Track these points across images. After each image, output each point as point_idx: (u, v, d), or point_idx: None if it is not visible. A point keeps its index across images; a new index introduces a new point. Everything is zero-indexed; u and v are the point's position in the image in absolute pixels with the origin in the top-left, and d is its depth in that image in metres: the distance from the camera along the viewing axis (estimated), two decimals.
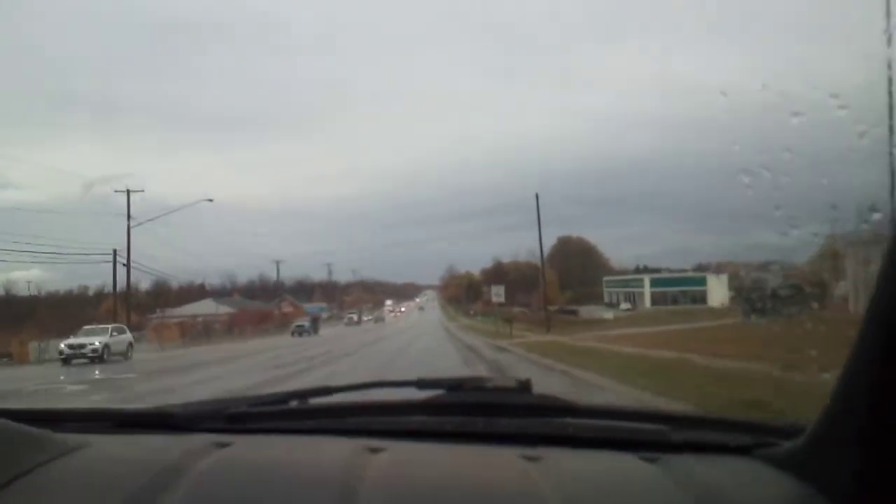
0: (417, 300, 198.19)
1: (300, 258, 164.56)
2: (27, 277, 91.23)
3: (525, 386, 1.59)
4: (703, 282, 70.67)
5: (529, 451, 1.36)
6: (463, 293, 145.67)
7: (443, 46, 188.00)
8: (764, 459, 1.29)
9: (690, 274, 76.44)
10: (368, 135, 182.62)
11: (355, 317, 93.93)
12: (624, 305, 69.57)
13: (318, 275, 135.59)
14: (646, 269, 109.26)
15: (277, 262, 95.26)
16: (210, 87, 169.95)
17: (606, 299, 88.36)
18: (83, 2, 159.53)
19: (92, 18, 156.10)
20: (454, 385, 1.60)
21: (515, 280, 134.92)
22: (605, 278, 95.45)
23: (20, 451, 1.30)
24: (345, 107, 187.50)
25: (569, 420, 1.51)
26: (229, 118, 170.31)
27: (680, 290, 71.16)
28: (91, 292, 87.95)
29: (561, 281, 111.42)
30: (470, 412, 1.53)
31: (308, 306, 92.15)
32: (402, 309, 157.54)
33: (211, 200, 49.62)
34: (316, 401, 1.71)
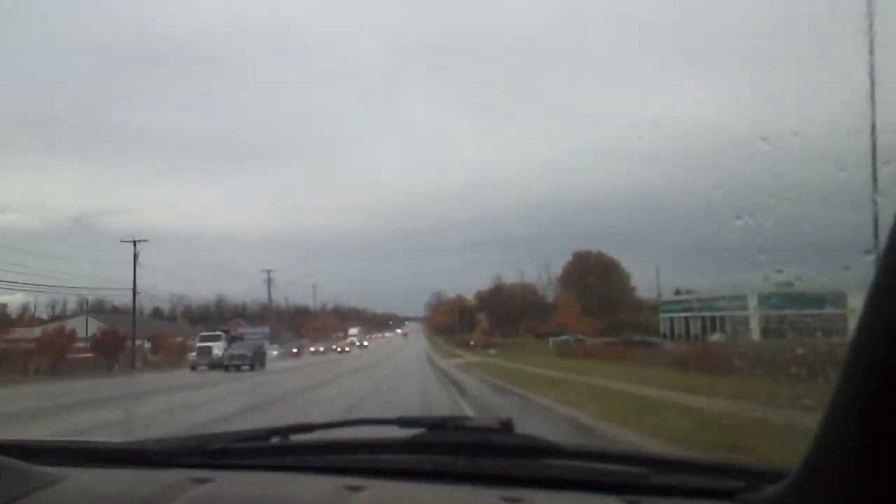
0: (399, 331, 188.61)
1: (284, 287, 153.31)
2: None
3: (507, 426, 1.57)
4: (841, 301, 46.46)
5: (510, 493, 1.37)
6: (454, 321, 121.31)
7: (429, 80, 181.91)
8: None
9: (818, 288, 52.51)
10: (356, 166, 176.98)
11: (294, 348, 68.77)
12: (716, 336, 45.58)
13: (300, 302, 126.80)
14: (684, 293, 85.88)
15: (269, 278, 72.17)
16: (200, 116, 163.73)
17: (665, 328, 64.48)
18: (76, 29, 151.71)
19: (84, 45, 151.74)
20: (435, 424, 1.60)
21: (520, 305, 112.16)
22: (666, 299, 71.14)
23: (1, 483, 1.31)
24: (333, 138, 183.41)
25: (550, 461, 1.50)
26: (219, 146, 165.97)
27: (809, 313, 46.96)
28: None
29: (582, 304, 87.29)
30: (451, 452, 1.52)
31: (249, 332, 68.01)
32: (378, 337, 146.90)
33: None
34: (296, 437, 1.69)
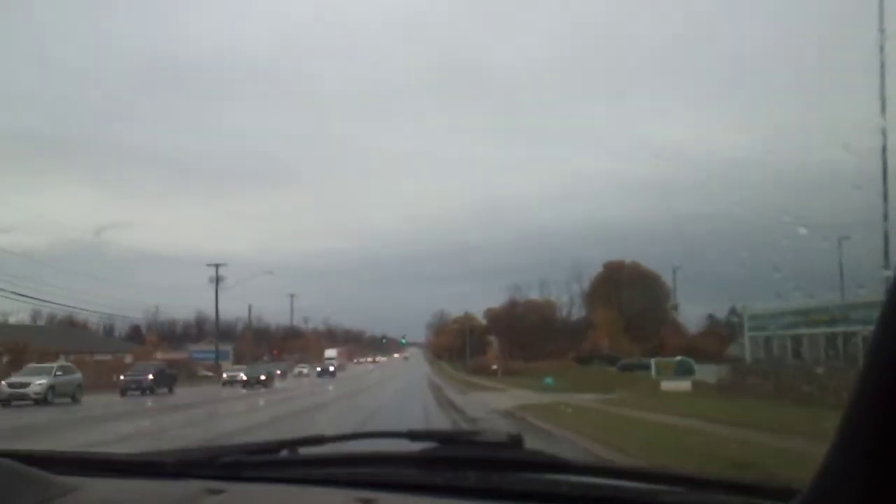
0: (398, 355, 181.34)
1: (280, 313, 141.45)
2: None
3: (516, 441, 1.58)
4: None
5: None
6: (461, 342, 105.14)
7: (435, 105, 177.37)
8: None
9: None
10: (359, 191, 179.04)
11: (241, 375, 51.19)
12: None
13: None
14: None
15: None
16: (203, 139, 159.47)
17: (754, 350, 47.90)
18: (83, 51, 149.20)
19: (91, 68, 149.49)
20: (446, 438, 1.62)
21: (540, 325, 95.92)
22: (757, 312, 54.33)
23: (20, 492, 1.35)
24: (336, 163, 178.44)
25: (560, 477, 1.51)
26: (221, 170, 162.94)
27: None
28: None
29: (626, 322, 71.03)
30: (461, 466, 1.52)
31: (196, 351, 52.45)
32: (366, 361, 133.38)
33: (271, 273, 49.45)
34: (308, 450, 1.71)
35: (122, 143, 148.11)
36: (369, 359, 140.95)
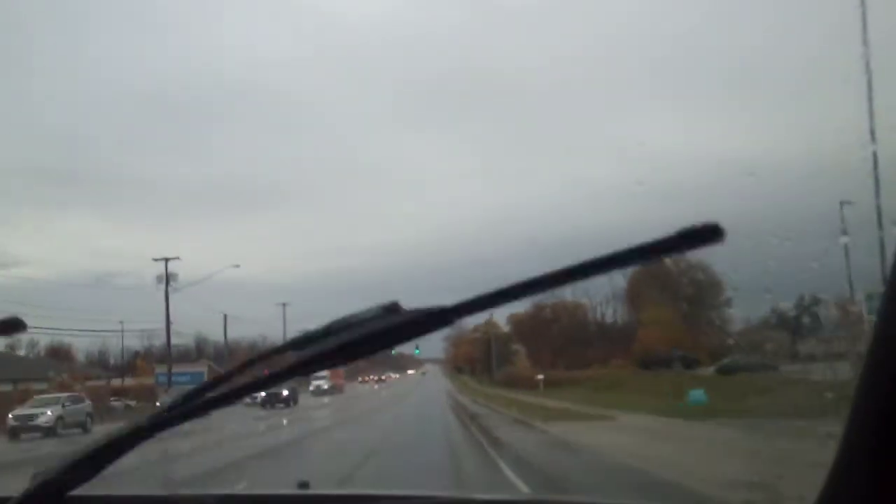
0: (411, 371, 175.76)
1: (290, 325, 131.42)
2: None
3: (393, 307, 1.42)
4: None
5: None
6: (484, 353, 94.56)
7: (441, 118, 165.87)
8: None
9: None
10: (368, 208, 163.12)
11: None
12: None
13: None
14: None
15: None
16: (210, 164, 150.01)
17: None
18: (90, 81, 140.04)
19: (97, 97, 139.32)
20: (323, 334, 1.45)
21: (568, 328, 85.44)
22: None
23: None
24: (344, 181, 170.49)
25: None
26: (231, 193, 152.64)
27: None
28: None
29: (683, 318, 60.39)
30: (350, 354, 1.42)
31: (162, 374, 42.45)
32: (375, 379, 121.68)
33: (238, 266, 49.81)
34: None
35: (130, 173, 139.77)
36: (373, 376, 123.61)
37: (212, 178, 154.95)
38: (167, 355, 47.57)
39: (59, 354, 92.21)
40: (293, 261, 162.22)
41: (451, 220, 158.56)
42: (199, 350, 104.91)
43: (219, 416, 24.04)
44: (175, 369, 50.87)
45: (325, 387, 70.09)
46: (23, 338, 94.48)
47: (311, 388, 69.54)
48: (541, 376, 42.21)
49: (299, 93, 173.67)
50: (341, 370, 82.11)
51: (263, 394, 40.85)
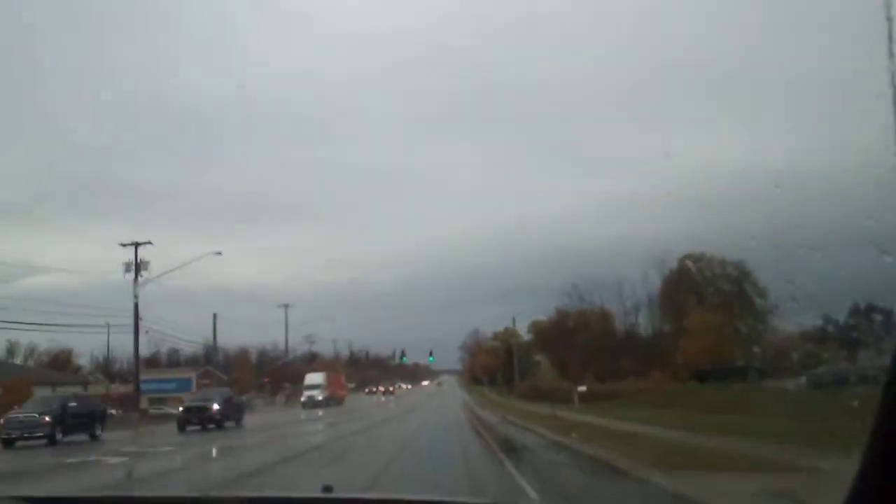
0: (426, 382, 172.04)
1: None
2: None
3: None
4: None
5: None
6: (501, 363, 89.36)
7: (459, 130, 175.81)
8: None
9: None
10: (385, 220, 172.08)
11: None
12: None
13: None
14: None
15: None
16: (229, 174, 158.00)
17: None
18: (107, 91, 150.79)
19: (116, 107, 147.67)
20: None
21: (593, 338, 79.84)
22: None
23: None
24: (361, 192, 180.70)
25: None
26: (248, 204, 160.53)
27: None
28: None
29: (729, 326, 54.70)
30: None
31: (148, 381, 37.18)
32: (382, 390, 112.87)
33: (219, 253, 44.09)
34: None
35: (156, 183, 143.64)
36: (380, 388, 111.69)
37: (232, 191, 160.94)
38: (135, 356, 42.18)
39: (58, 360, 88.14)
40: (313, 271, 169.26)
41: (467, 232, 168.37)
42: (208, 357, 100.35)
43: None
44: (163, 375, 46.20)
45: (320, 398, 61.40)
46: (21, 342, 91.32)
47: (303, 398, 61.76)
48: (582, 388, 36.74)
49: (316, 107, 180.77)
50: (340, 376, 75.94)
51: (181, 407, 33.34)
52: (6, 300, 65.89)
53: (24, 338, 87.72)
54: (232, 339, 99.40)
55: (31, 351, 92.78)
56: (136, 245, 41.10)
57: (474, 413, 37.59)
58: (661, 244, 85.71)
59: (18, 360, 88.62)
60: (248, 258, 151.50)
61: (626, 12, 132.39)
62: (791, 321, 58.18)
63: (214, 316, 53.73)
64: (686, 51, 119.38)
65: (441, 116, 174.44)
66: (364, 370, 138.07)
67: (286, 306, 78.53)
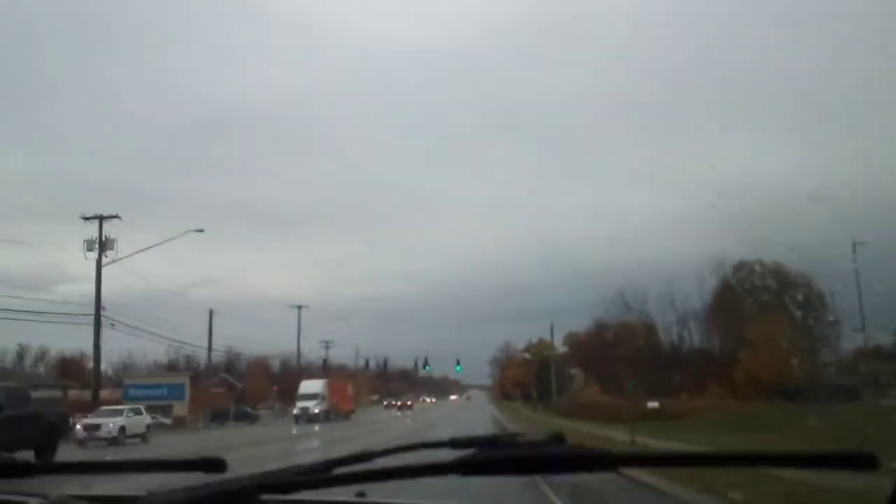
0: (454, 397, 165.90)
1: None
2: None
3: (559, 438, 1.54)
4: None
5: None
6: (534, 377, 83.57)
7: (483, 146, 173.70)
8: None
9: None
10: (414, 235, 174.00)
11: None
12: None
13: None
14: None
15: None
16: (252, 186, 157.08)
17: None
18: (132, 101, 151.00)
19: (140, 117, 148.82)
20: (487, 442, 1.57)
21: (634, 352, 73.66)
22: None
23: None
24: (386, 208, 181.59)
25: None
26: (271, 216, 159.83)
27: None
28: None
29: (795, 340, 48.56)
30: (504, 468, 1.50)
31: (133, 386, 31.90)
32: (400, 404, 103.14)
33: (201, 230, 37.82)
34: (356, 467, 1.69)
35: (182, 193, 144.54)
36: (396, 402, 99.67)
37: (269, 201, 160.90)
38: (95, 351, 36.87)
39: (68, 366, 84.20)
40: (333, 285, 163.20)
41: (500, 249, 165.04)
42: (229, 366, 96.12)
43: None
44: (153, 381, 41.44)
45: (316, 410, 52.06)
46: (31, 347, 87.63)
47: (296, 410, 53.09)
48: (654, 404, 30.85)
49: (338, 119, 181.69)
50: (346, 385, 66.69)
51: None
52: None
53: (35, 342, 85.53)
54: (257, 348, 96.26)
55: (42, 355, 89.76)
56: (101, 219, 36.20)
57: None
58: (708, 255, 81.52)
59: (28, 365, 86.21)
60: (277, 270, 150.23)
61: (672, 24, 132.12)
62: (856, 336, 52.44)
63: (210, 313, 48.33)
64: (725, 67, 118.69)
65: (474, 131, 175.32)
66: (389, 382, 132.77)
67: (299, 307, 72.50)
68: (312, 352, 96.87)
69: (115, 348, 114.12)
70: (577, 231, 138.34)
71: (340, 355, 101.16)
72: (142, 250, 35.94)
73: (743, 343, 52.15)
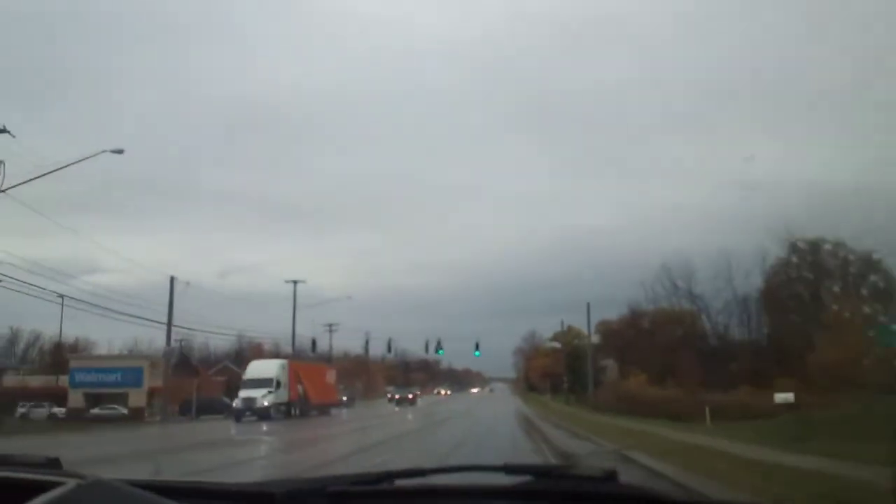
0: (475, 390, 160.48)
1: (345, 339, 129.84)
2: None
3: (611, 475, 1.53)
4: None
5: None
6: (564, 368, 76.88)
7: (510, 139, 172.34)
8: None
9: None
10: (439, 228, 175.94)
11: None
12: None
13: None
14: None
15: None
16: (283, 178, 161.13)
17: None
18: (172, 97, 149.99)
19: (173, 113, 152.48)
20: (541, 472, 1.59)
21: (675, 340, 66.31)
22: None
23: None
24: (413, 201, 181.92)
25: None
26: (301, 208, 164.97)
27: None
28: None
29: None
30: (556, 500, 1.51)
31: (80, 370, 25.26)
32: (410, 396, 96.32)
33: (121, 151, 29.74)
34: (409, 482, 1.70)
35: (211, 185, 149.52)
36: (394, 394, 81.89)
37: (282, 194, 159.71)
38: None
39: (62, 352, 78.91)
40: (368, 276, 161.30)
41: (522, 241, 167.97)
42: (238, 353, 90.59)
43: None
44: (106, 364, 35.13)
45: (266, 402, 39.78)
46: (23, 331, 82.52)
47: (237, 402, 41.00)
48: (788, 395, 23.45)
49: (365, 114, 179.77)
50: (324, 370, 53.57)
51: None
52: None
53: (28, 325, 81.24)
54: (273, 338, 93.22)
55: (36, 338, 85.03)
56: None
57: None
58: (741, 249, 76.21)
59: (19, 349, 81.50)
60: (304, 262, 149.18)
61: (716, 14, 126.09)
62: None
63: (171, 280, 40.38)
64: (748, 64, 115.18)
65: (498, 128, 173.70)
66: (409, 373, 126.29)
67: (295, 282, 61.33)
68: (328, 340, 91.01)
69: (121, 335, 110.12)
70: (602, 223, 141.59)
71: (357, 345, 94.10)
72: (38, 176, 28.23)
73: (815, 329, 44.81)
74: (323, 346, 74.95)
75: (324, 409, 46.70)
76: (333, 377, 54.09)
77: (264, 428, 32.81)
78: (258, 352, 67.14)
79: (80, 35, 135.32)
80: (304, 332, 79.30)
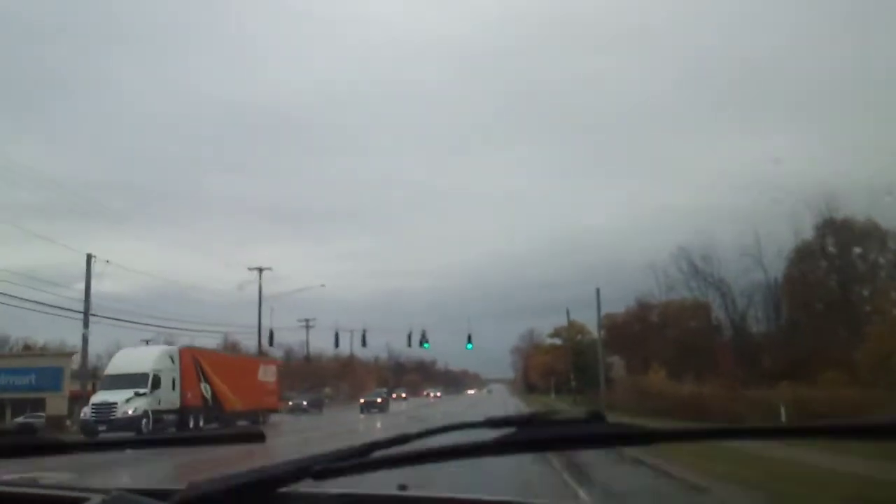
0: (472, 391, 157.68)
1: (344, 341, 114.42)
2: None
3: (598, 416, 1.57)
4: None
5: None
6: (567, 365, 71.92)
7: (511, 140, 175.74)
8: None
9: None
10: (437, 231, 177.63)
11: None
12: None
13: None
14: None
15: None
16: (286, 184, 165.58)
17: None
18: (176, 104, 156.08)
19: (182, 119, 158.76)
20: (525, 421, 1.62)
21: (687, 334, 61.45)
22: None
23: None
24: (410, 204, 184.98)
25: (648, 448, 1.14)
26: (302, 212, 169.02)
27: None
28: None
29: None
30: (543, 447, 1.58)
31: None
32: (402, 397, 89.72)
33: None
34: (395, 450, 1.70)
35: (212, 191, 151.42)
36: (365, 399, 62.45)
37: (283, 200, 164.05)
38: None
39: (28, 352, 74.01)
40: (365, 279, 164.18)
41: (521, 243, 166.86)
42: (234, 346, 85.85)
43: None
44: (17, 364, 29.85)
45: (130, 410, 29.54)
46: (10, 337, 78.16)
47: (87, 410, 30.86)
48: None
49: (364, 120, 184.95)
50: (256, 362, 45.88)
51: None
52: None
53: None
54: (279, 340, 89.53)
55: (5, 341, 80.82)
56: None
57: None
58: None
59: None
60: (296, 265, 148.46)
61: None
62: None
63: (88, 258, 34.72)
64: (753, 62, 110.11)
65: (496, 128, 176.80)
66: (403, 375, 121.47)
67: (260, 270, 56.33)
68: (320, 341, 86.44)
69: (108, 340, 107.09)
70: (599, 224, 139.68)
71: (354, 345, 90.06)
72: None
73: (858, 317, 40.04)
74: (324, 346, 69.94)
75: (252, 418, 37.57)
76: (273, 375, 44.59)
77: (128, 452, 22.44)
78: (233, 349, 61.55)
79: (81, 38, 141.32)
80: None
